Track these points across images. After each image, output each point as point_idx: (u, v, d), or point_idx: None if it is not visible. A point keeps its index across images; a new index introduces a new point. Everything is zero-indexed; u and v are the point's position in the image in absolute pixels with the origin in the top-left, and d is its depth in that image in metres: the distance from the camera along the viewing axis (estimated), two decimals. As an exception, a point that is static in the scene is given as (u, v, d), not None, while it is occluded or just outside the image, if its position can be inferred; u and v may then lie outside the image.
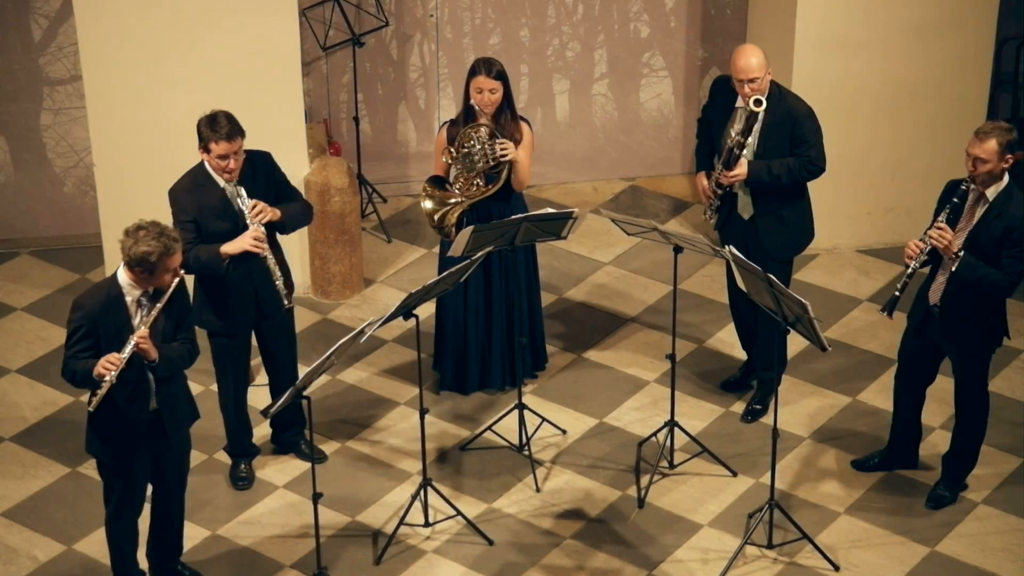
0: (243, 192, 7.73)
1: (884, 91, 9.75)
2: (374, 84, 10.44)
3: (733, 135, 8.13)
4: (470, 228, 7.94)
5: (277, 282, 7.87)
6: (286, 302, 7.94)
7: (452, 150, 8.34)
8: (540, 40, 10.48)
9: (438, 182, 8.44)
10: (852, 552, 7.88)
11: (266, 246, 7.77)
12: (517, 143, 8.37)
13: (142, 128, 9.16)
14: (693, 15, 10.51)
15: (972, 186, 7.54)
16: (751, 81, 8.04)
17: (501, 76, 8.26)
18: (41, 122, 9.99)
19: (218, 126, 7.60)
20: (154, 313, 6.93)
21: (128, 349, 6.89)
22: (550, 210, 8.20)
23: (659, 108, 10.74)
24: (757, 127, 8.10)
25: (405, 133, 10.56)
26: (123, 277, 6.95)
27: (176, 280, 6.94)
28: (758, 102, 8.01)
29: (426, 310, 8.70)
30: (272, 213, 7.78)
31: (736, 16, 10.51)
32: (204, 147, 7.66)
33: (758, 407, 8.72)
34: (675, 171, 10.91)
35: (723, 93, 8.27)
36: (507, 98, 8.33)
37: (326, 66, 10.30)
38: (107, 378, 6.86)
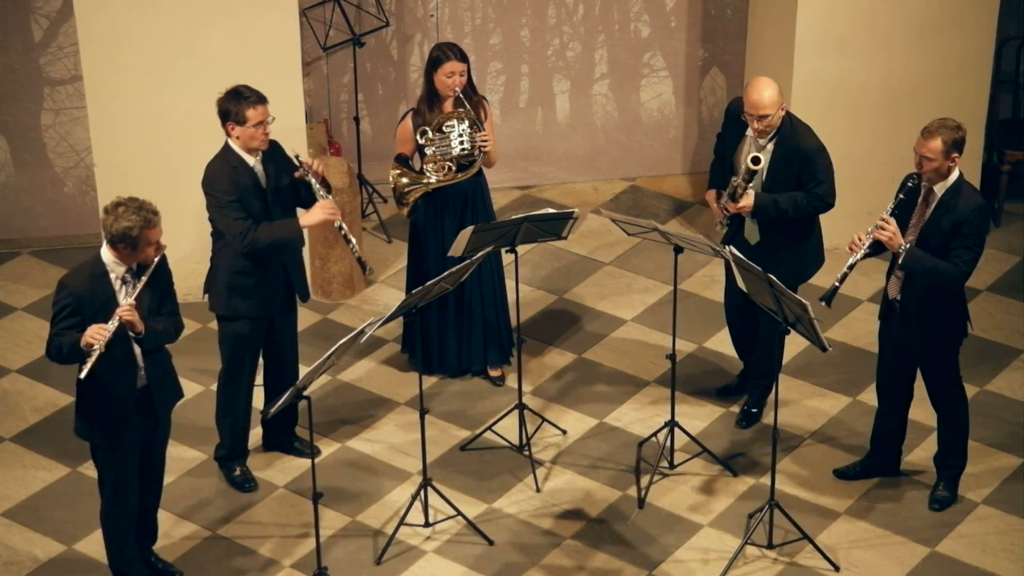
0: (295, 157, 7.88)
1: (885, 91, 9.75)
2: (374, 84, 10.44)
3: (736, 179, 8.10)
4: (470, 228, 7.96)
5: (355, 251, 7.95)
6: (368, 272, 8.04)
7: (428, 131, 8.40)
8: (540, 40, 10.48)
9: (404, 161, 8.55)
10: (852, 552, 7.89)
11: (339, 213, 7.88)
12: (484, 119, 8.53)
13: (142, 128, 9.17)
14: (694, 15, 10.51)
15: (922, 182, 7.56)
16: (760, 118, 7.99)
17: (466, 58, 8.45)
18: (42, 122, 9.99)
19: (245, 94, 7.68)
20: (139, 286, 6.96)
21: (114, 321, 6.90)
22: (550, 210, 8.21)
23: (660, 108, 10.74)
24: (765, 163, 8.07)
25: (405, 133, 10.57)
26: (107, 255, 6.99)
27: (159, 254, 6.98)
28: (756, 160, 7.97)
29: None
30: (320, 164, 7.92)
31: (737, 16, 10.51)
32: (238, 119, 7.68)
33: (753, 411, 8.71)
34: (675, 171, 10.92)
35: (738, 116, 8.20)
36: (469, 78, 8.49)
37: (326, 66, 10.31)
38: (96, 347, 6.87)
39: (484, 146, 8.50)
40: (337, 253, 9.55)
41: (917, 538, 7.96)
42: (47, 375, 9.03)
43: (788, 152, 8.08)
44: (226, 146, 7.81)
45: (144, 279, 6.97)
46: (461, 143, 8.48)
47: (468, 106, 8.44)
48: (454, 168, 8.53)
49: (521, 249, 8.36)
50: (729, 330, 8.79)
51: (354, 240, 7.93)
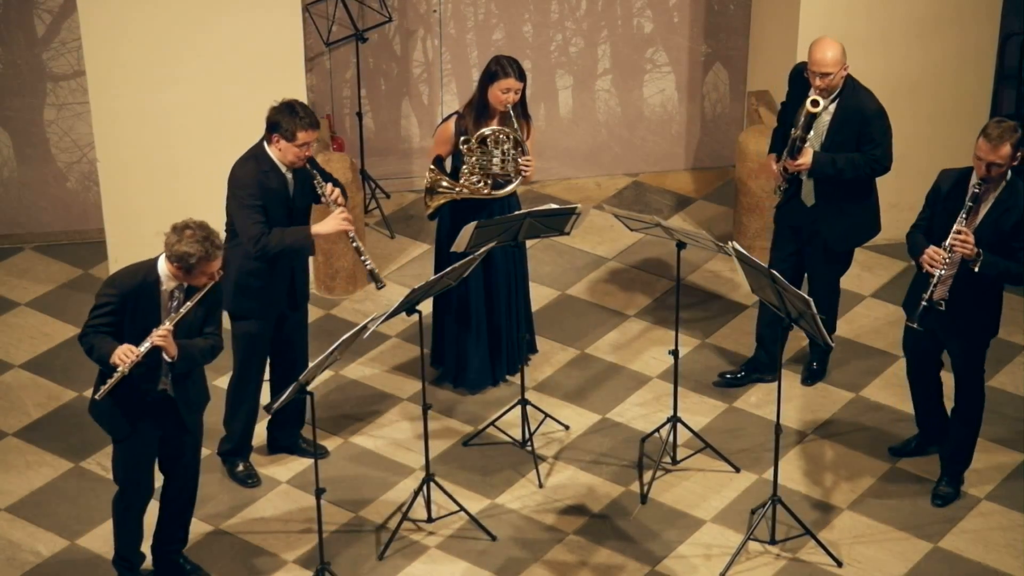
0: (316, 174, 7.75)
1: (887, 87, 9.72)
2: (377, 80, 10.44)
3: (795, 131, 8.17)
4: (473, 224, 7.95)
5: (367, 263, 7.80)
6: (377, 284, 7.82)
7: (471, 141, 8.35)
8: (543, 36, 10.48)
9: (440, 164, 8.51)
10: (855, 548, 7.89)
11: (352, 225, 7.79)
12: (527, 137, 8.45)
13: (145, 123, 9.16)
14: (696, 11, 10.51)
15: (984, 186, 7.54)
16: (823, 75, 8.07)
17: (524, 76, 8.35)
18: (44, 117, 10.00)
19: (302, 114, 7.62)
20: (182, 311, 6.97)
21: (146, 345, 6.91)
22: (553, 206, 8.21)
23: (662, 104, 10.74)
24: (825, 123, 8.10)
25: (408, 129, 10.57)
26: (163, 266, 7.00)
27: (212, 283, 6.98)
28: (815, 103, 8.03)
29: (426, 305, 8.71)
30: (341, 196, 7.82)
31: (739, 12, 10.51)
32: (287, 135, 7.62)
33: (816, 367, 8.80)
34: (678, 167, 10.91)
35: (801, 80, 8.30)
36: (523, 96, 8.42)
37: (329, 62, 10.30)
38: (120, 369, 6.88)
39: (526, 171, 8.44)
40: (340, 249, 9.55)
41: (920, 534, 7.96)
42: (50, 370, 9.03)
43: (849, 113, 8.17)
44: (261, 148, 7.74)
45: (190, 304, 6.97)
46: (503, 162, 8.43)
47: (516, 125, 8.38)
48: (489, 184, 8.47)
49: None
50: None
51: (366, 253, 7.84)
